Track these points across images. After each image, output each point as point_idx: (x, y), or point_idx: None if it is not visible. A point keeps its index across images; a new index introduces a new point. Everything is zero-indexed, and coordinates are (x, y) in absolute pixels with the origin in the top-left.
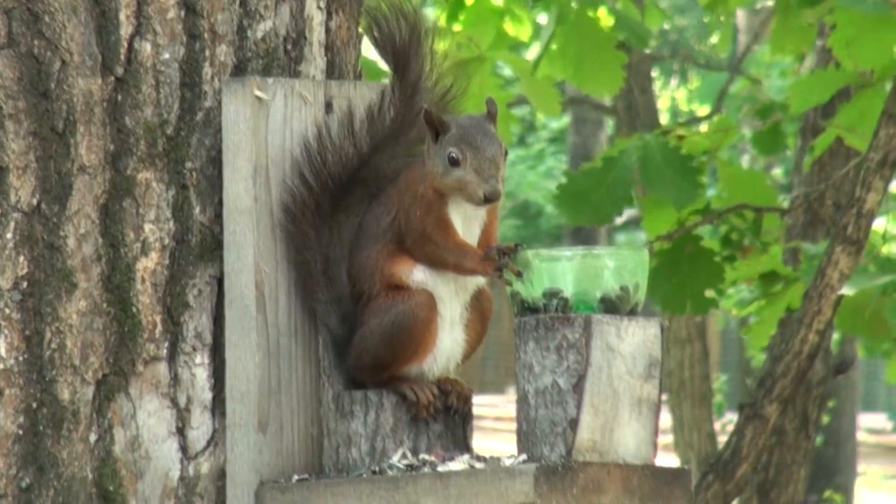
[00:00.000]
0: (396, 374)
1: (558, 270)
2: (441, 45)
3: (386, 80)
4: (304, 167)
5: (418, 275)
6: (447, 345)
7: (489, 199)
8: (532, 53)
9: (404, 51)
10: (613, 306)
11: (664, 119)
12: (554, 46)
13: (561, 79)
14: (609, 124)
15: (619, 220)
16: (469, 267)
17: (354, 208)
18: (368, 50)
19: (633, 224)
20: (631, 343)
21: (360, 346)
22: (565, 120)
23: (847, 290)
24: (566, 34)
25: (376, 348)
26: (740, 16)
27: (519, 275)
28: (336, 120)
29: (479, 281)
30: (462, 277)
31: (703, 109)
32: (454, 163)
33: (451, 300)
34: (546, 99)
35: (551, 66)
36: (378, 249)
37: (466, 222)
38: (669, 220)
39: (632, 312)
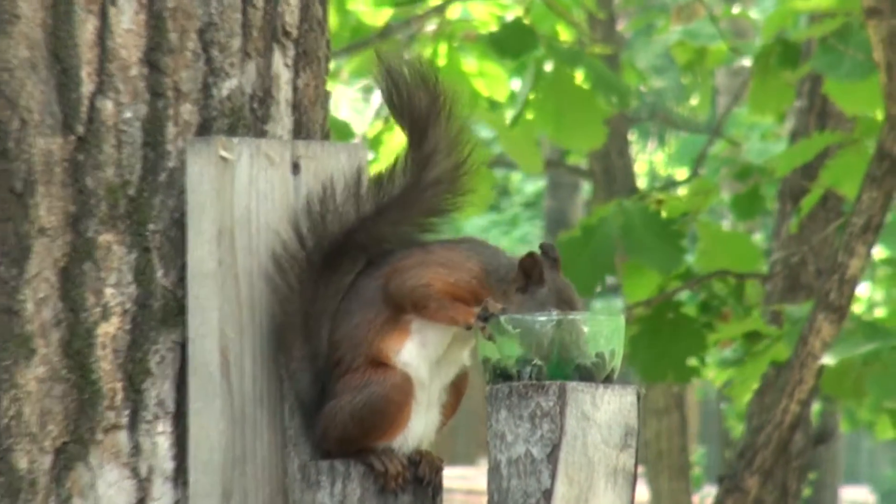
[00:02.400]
0: (365, 448)
1: (533, 336)
2: (460, 118)
3: (354, 141)
4: (301, 222)
5: (405, 355)
6: (420, 427)
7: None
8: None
9: (422, 122)
10: (589, 374)
11: (642, 183)
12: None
13: (540, 136)
14: (585, 188)
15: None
16: (449, 315)
17: (345, 267)
18: (336, 109)
19: (610, 290)
20: (607, 411)
21: (330, 419)
22: (540, 184)
23: (829, 360)
24: (544, 89)
25: (345, 424)
26: (720, 77)
27: (491, 338)
28: (342, 180)
29: (464, 361)
30: (449, 361)
31: (681, 173)
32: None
33: (433, 383)
34: (527, 155)
35: (530, 123)
36: (370, 318)
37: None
38: (650, 285)
39: (607, 380)
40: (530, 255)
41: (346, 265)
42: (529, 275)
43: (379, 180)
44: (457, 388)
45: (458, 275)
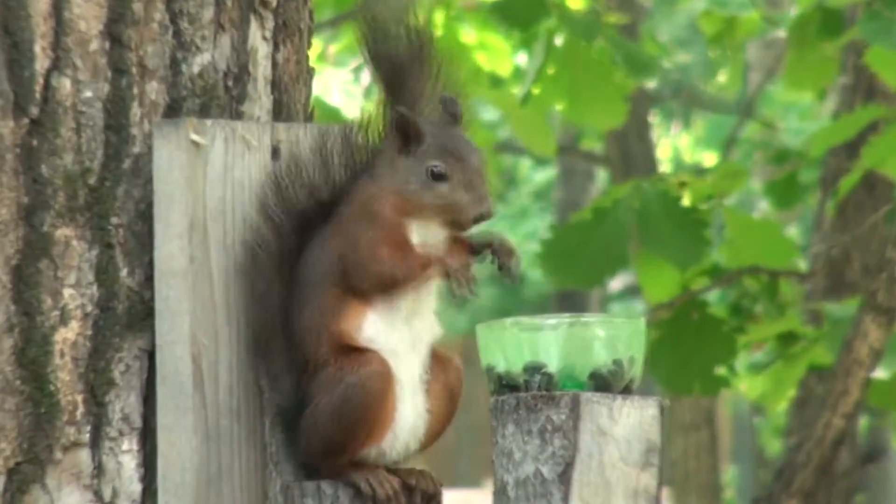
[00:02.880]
0: (353, 458)
1: (541, 341)
2: (450, 67)
3: (345, 124)
4: (271, 201)
5: (368, 329)
6: (408, 417)
7: (481, 219)
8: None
9: (400, 69)
10: (605, 383)
11: (665, 170)
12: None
13: (550, 117)
14: (601, 176)
15: (613, 287)
16: (418, 275)
17: None
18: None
19: (630, 292)
20: (625, 426)
21: (311, 428)
22: (551, 172)
23: (882, 371)
24: (557, 63)
25: (326, 430)
26: (752, 50)
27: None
28: (307, 148)
29: (436, 330)
30: (417, 329)
31: (709, 158)
32: (439, 178)
33: (408, 356)
34: (538, 135)
35: (540, 100)
36: (321, 302)
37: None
38: (671, 282)
39: (626, 390)
40: (399, 112)
41: None
42: (405, 133)
43: (347, 142)
44: (447, 384)
45: (379, 216)
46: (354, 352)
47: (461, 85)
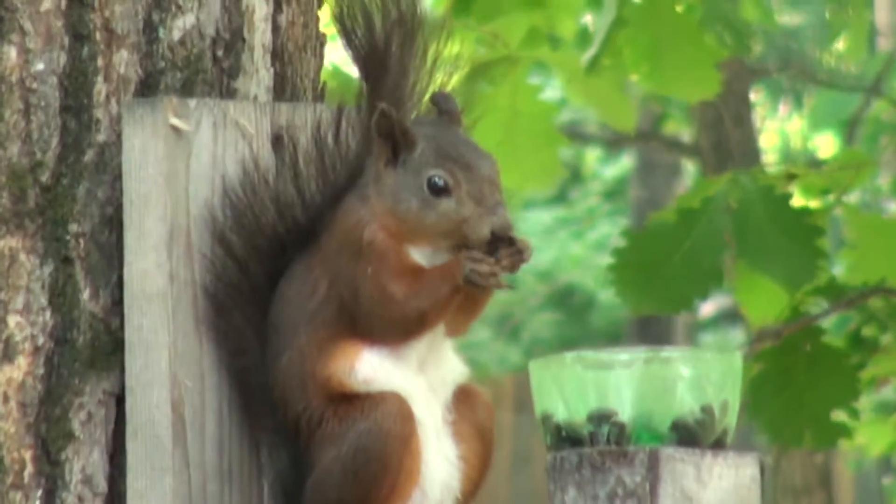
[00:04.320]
0: None
1: (611, 382)
2: (444, 50)
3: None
4: (227, 230)
5: (363, 369)
6: (438, 467)
7: (499, 235)
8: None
9: (382, 51)
10: (691, 435)
11: (770, 161)
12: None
13: (628, 89)
14: (689, 170)
15: (704, 312)
16: (446, 292)
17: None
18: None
19: (725, 318)
20: (717, 489)
21: (318, 495)
22: (625, 165)
23: None
24: (636, 18)
25: (338, 492)
26: (880, 9)
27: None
28: (269, 155)
29: (460, 370)
30: (435, 375)
31: (825, 144)
32: (440, 191)
33: (426, 398)
34: (613, 105)
35: (615, 65)
36: (302, 346)
37: None
38: (778, 299)
39: (718, 444)
40: (380, 111)
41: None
42: (392, 137)
43: (320, 146)
44: (476, 424)
45: (373, 246)
46: (357, 397)
47: (459, 68)
